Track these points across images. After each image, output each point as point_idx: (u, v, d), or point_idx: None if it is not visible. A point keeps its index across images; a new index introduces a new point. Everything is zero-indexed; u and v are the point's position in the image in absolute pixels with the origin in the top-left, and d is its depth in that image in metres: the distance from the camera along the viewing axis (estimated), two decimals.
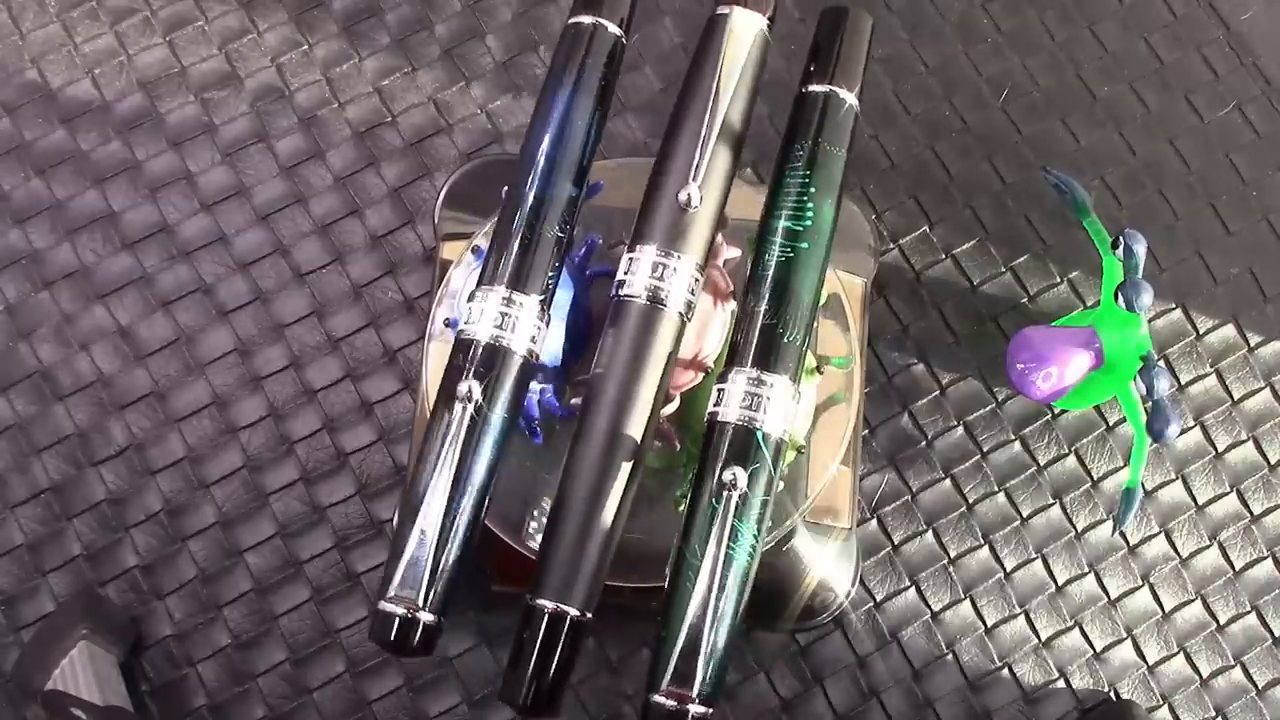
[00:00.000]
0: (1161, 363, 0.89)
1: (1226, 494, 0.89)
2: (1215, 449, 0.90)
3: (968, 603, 0.87)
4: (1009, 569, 0.88)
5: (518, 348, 0.56)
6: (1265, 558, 0.89)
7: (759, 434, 0.54)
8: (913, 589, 0.87)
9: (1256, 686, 0.87)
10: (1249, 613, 0.88)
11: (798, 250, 0.57)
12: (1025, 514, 0.88)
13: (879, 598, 0.87)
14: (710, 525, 0.54)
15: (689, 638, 0.54)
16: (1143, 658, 0.87)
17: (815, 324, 0.61)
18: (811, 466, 0.72)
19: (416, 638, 0.54)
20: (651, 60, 0.95)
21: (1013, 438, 0.89)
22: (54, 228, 0.91)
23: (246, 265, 0.91)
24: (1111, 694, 0.87)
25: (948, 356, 0.90)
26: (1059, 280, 0.92)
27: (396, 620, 0.53)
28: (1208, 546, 0.89)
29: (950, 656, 0.86)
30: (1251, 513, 0.89)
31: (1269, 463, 0.90)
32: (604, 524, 0.55)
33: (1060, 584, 0.88)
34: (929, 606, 0.87)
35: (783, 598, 0.83)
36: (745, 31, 0.61)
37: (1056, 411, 0.90)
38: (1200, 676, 0.87)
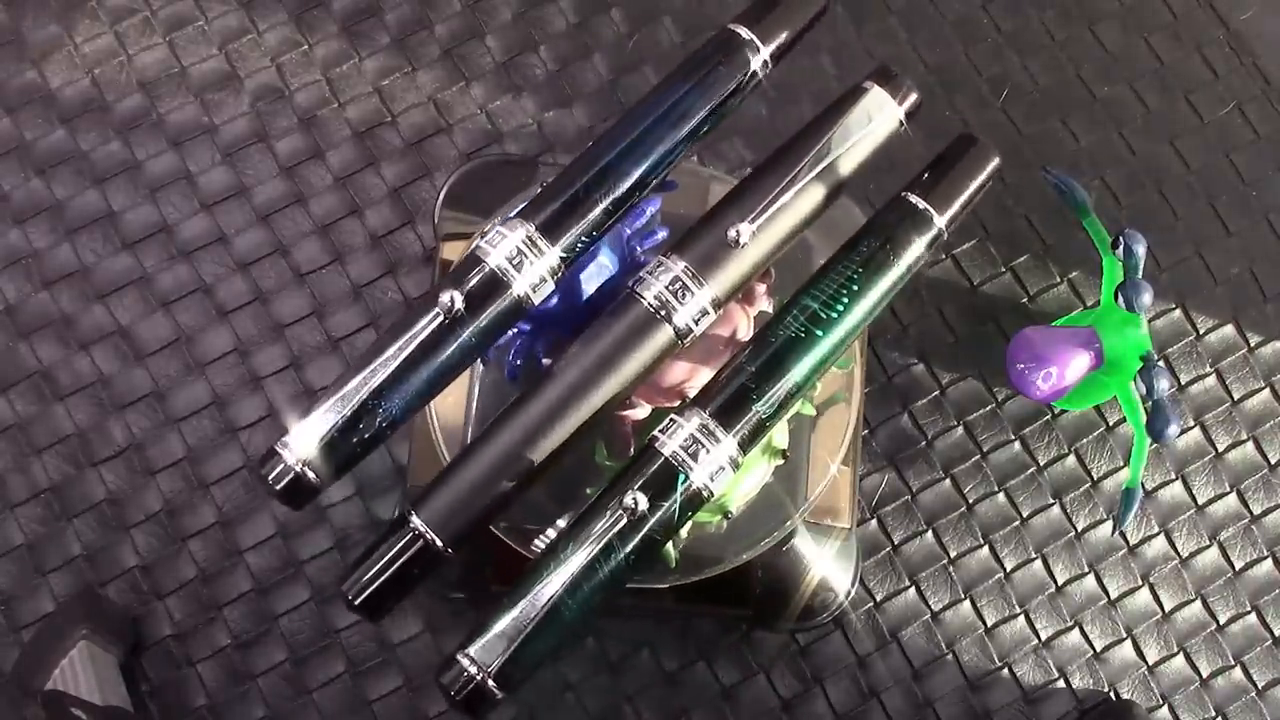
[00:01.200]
0: (1161, 363, 0.89)
1: (1226, 494, 0.89)
2: (1215, 449, 0.90)
3: (968, 603, 0.87)
4: (1009, 569, 0.88)
5: (517, 289, 0.55)
6: (1265, 558, 0.89)
7: (681, 478, 0.54)
8: (913, 589, 0.87)
9: (1256, 686, 0.87)
10: (1249, 613, 0.88)
11: (812, 335, 0.56)
12: (1025, 514, 0.88)
13: (879, 598, 0.87)
14: (592, 530, 0.53)
15: (518, 618, 0.53)
16: (1143, 658, 0.87)
17: (790, 410, 0.59)
18: (812, 466, 0.72)
19: (291, 487, 0.53)
20: (651, 60, 0.95)
21: (1013, 438, 0.89)
22: (54, 228, 0.91)
23: (246, 265, 0.91)
24: (1111, 694, 0.87)
25: (948, 356, 0.90)
26: (1059, 280, 0.92)
27: (282, 467, 0.53)
28: (1208, 546, 0.89)
29: (950, 656, 0.86)
30: (1251, 513, 0.89)
31: (1269, 463, 0.90)
32: (506, 480, 0.55)
33: (1060, 584, 0.88)
34: (929, 606, 0.87)
35: (783, 598, 0.83)
36: (876, 113, 0.60)
37: (1056, 411, 0.90)
38: (1200, 676, 0.87)
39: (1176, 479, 0.89)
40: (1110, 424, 0.90)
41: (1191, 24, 0.97)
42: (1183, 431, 0.90)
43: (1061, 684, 0.86)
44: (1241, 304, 0.92)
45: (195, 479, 0.87)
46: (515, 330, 0.64)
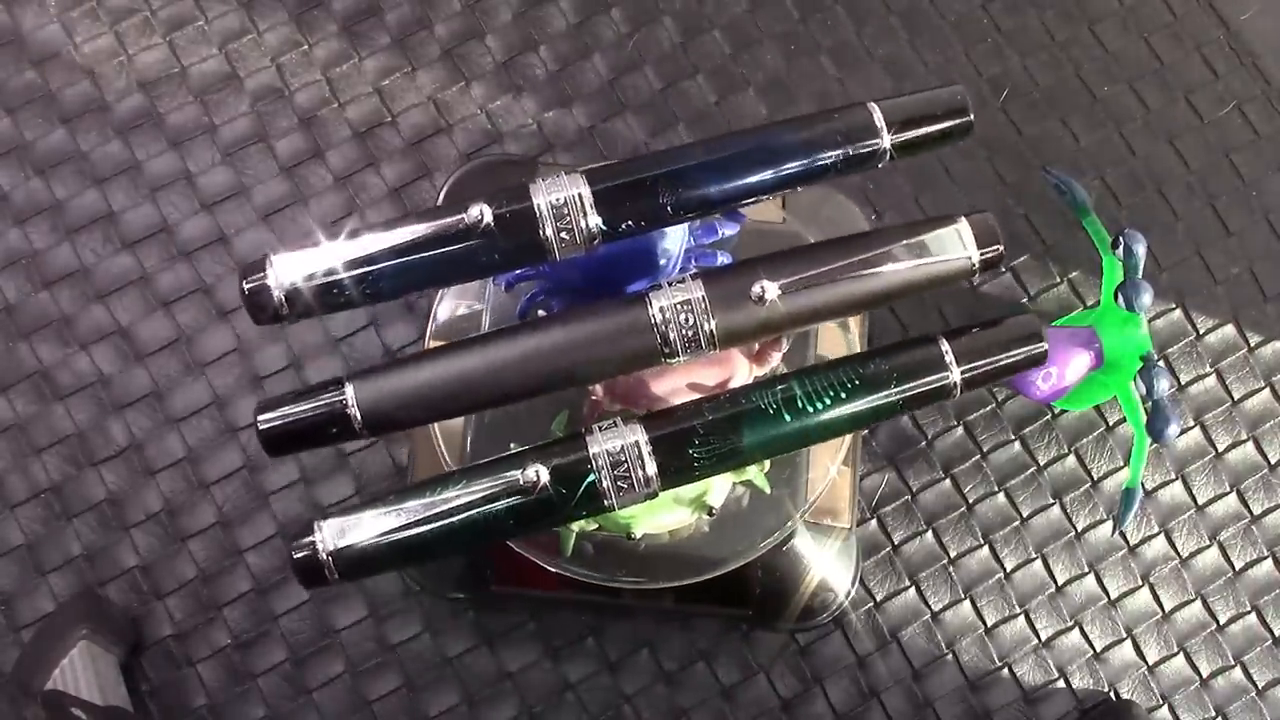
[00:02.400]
0: (1161, 363, 0.88)
1: (1226, 494, 0.89)
2: (1215, 449, 0.90)
3: (968, 603, 0.87)
4: (1009, 569, 0.88)
5: (546, 233, 0.55)
6: (1265, 558, 0.89)
7: (589, 481, 0.54)
8: (913, 589, 0.87)
9: (1256, 686, 0.87)
10: (1249, 613, 0.88)
11: (779, 416, 0.55)
12: (1025, 514, 0.88)
13: (879, 598, 0.87)
14: (489, 480, 0.53)
15: (385, 524, 0.53)
16: (1143, 658, 0.87)
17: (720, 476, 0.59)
18: (812, 466, 0.72)
19: (273, 307, 0.53)
20: (651, 60, 0.95)
21: (1013, 438, 0.89)
22: (54, 228, 0.91)
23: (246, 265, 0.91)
24: (1111, 694, 0.87)
25: None
26: (1059, 280, 0.92)
27: (267, 290, 0.53)
28: (1208, 546, 0.89)
29: (950, 656, 0.86)
30: (1251, 513, 0.89)
31: (1269, 463, 0.90)
32: (445, 398, 0.55)
33: (1060, 584, 0.88)
34: (929, 606, 0.87)
35: (783, 598, 0.83)
36: (952, 247, 0.57)
37: (1056, 411, 0.90)
38: (1200, 676, 0.87)
39: (1176, 479, 0.89)
40: (1110, 424, 0.90)
41: (1191, 24, 0.97)
42: (1183, 431, 0.90)
43: (1061, 684, 0.86)
44: (1241, 304, 0.92)
45: (195, 479, 0.87)
46: (538, 271, 0.64)
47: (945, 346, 0.55)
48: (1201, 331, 0.92)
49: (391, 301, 0.89)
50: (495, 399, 0.55)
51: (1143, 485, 0.87)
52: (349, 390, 0.53)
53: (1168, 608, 0.88)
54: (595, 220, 0.55)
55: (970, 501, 0.88)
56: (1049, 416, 0.90)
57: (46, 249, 0.91)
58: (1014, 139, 0.94)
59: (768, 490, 0.69)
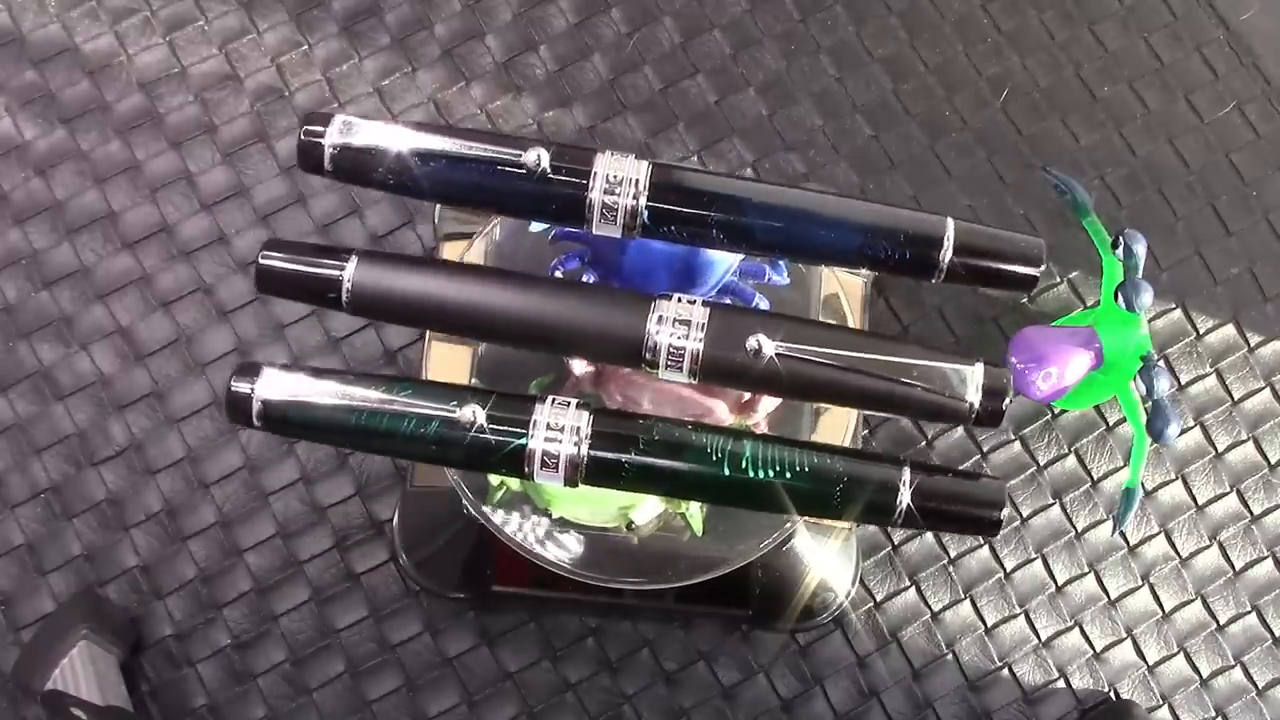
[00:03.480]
0: (1161, 363, 0.89)
1: (1226, 494, 0.89)
2: (1215, 449, 0.90)
3: (968, 603, 0.87)
4: (1009, 569, 0.88)
5: (591, 201, 0.55)
6: (1265, 558, 0.89)
7: (518, 445, 0.54)
8: (913, 589, 0.87)
9: (1256, 686, 0.87)
10: (1249, 613, 0.88)
11: (718, 469, 0.54)
12: (1025, 514, 0.88)
13: (879, 598, 0.87)
14: (429, 400, 0.54)
15: (322, 399, 0.54)
16: (1143, 658, 0.87)
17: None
18: None
19: (320, 161, 0.54)
20: (651, 60, 0.95)
21: (1013, 438, 0.89)
22: (54, 228, 0.91)
23: (246, 265, 0.91)
24: (1111, 694, 0.87)
25: None
26: (1059, 280, 0.92)
27: (320, 147, 0.54)
28: (1208, 546, 0.89)
29: (950, 656, 0.86)
30: (1251, 513, 0.89)
31: (1269, 463, 0.90)
32: (431, 310, 0.56)
33: (1060, 584, 0.88)
34: (929, 606, 0.87)
35: (783, 598, 0.83)
36: (955, 383, 0.54)
37: (1056, 411, 0.90)
38: (1200, 676, 0.87)
39: (1176, 479, 0.89)
40: (1110, 424, 0.90)
41: (1191, 24, 0.97)
42: (1183, 431, 0.90)
43: (1061, 684, 0.86)
44: (1241, 304, 0.92)
45: (195, 479, 0.87)
46: (586, 237, 0.65)
47: (905, 478, 0.54)
48: (1201, 331, 0.92)
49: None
50: (478, 331, 0.56)
51: (1143, 485, 0.87)
52: (350, 265, 0.54)
53: (1168, 608, 0.88)
54: (642, 210, 0.55)
55: None
56: (1049, 416, 0.90)
57: (46, 249, 0.91)
58: (1014, 139, 0.94)
59: (699, 533, 0.69)
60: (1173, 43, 0.96)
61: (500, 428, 0.54)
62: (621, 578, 0.69)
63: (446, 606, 0.86)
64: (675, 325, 0.55)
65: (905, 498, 0.54)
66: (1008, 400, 0.54)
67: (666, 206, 0.55)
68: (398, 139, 0.54)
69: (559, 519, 0.67)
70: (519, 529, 0.69)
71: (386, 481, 0.87)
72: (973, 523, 0.55)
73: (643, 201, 0.55)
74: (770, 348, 0.54)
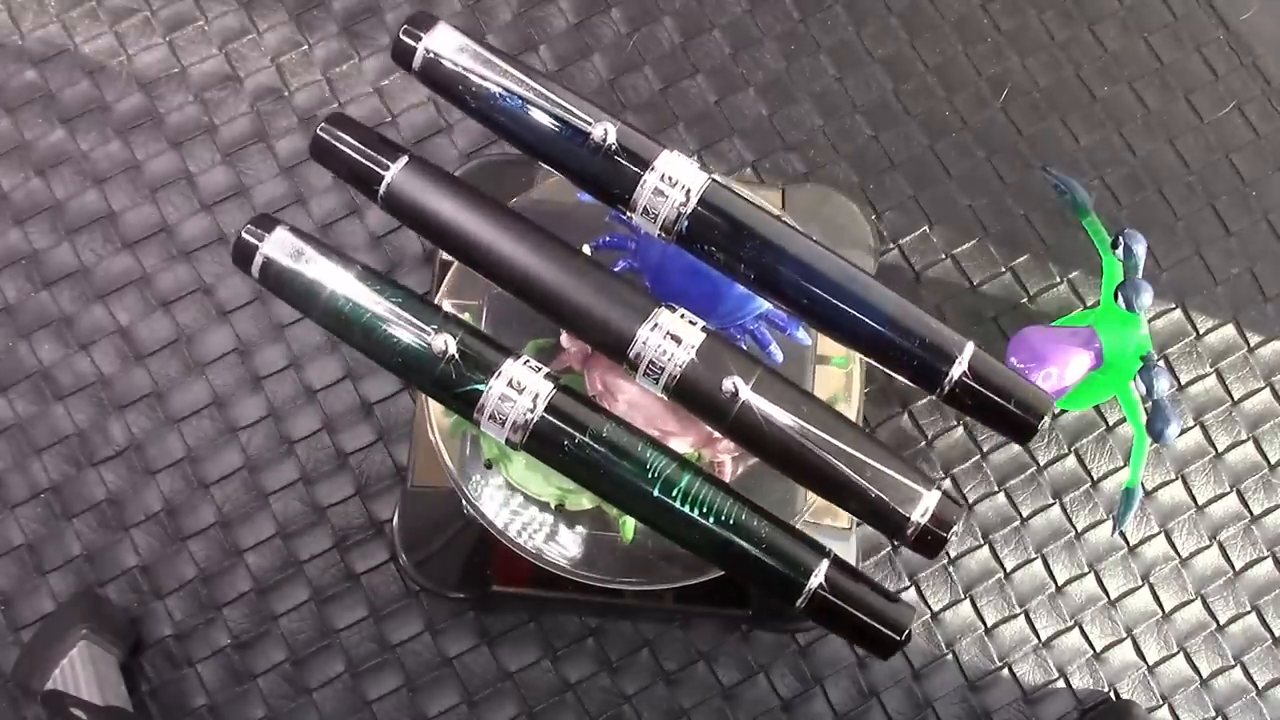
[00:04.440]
0: (1161, 363, 0.89)
1: (1226, 494, 0.89)
2: (1215, 449, 0.90)
3: (968, 603, 0.87)
4: (1009, 569, 0.88)
5: (640, 190, 0.56)
6: (1265, 558, 0.89)
7: (473, 388, 0.55)
8: (913, 589, 0.87)
9: (1256, 686, 0.87)
10: (1249, 613, 0.88)
11: (649, 487, 0.54)
12: (1025, 514, 0.88)
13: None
14: (410, 316, 0.55)
15: (324, 266, 0.56)
16: (1143, 658, 0.87)
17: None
18: None
19: (410, 60, 0.57)
20: (651, 60, 0.95)
21: None
22: (54, 228, 0.91)
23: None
24: (1111, 694, 0.87)
25: None
26: (1059, 280, 0.92)
27: (412, 50, 0.56)
28: (1208, 546, 0.89)
29: (950, 656, 0.86)
30: (1251, 513, 0.89)
31: (1269, 463, 0.90)
32: (457, 238, 0.57)
33: (1060, 584, 0.88)
34: (929, 606, 0.87)
35: None
36: (905, 500, 0.53)
37: (1056, 411, 0.90)
38: (1200, 676, 0.87)
39: (1176, 479, 0.89)
40: (1110, 424, 0.90)
41: (1191, 24, 0.97)
42: (1183, 431, 0.90)
43: (1061, 684, 0.86)
44: (1241, 304, 0.92)
45: (195, 479, 0.87)
46: (629, 247, 0.66)
47: (821, 569, 0.53)
48: (1201, 331, 0.92)
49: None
50: (487, 270, 0.57)
51: (1143, 485, 0.87)
52: (396, 166, 0.56)
53: (1168, 608, 0.88)
54: (685, 219, 0.55)
55: (970, 502, 0.88)
56: (1049, 416, 0.90)
57: (46, 249, 0.91)
58: (1014, 139, 0.94)
59: (629, 539, 0.69)
60: (1173, 43, 0.96)
61: (466, 367, 0.55)
62: (621, 578, 0.69)
63: (446, 606, 0.86)
64: (667, 338, 0.55)
65: (813, 586, 0.53)
66: (954, 531, 0.54)
67: (707, 224, 0.55)
68: (486, 65, 0.56)
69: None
70: (519, 529, 0.69)
71: (386, 481, 0.87)
72: (871, 638, 0.54)
73: (687, 210, 0.55)
74: (745, 395, 0.54)
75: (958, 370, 0.54)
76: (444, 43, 0.57)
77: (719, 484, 0.55)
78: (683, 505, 0.54)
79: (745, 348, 0.65)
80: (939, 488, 0.54)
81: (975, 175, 0.94)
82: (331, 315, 0.56)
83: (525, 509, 0.70)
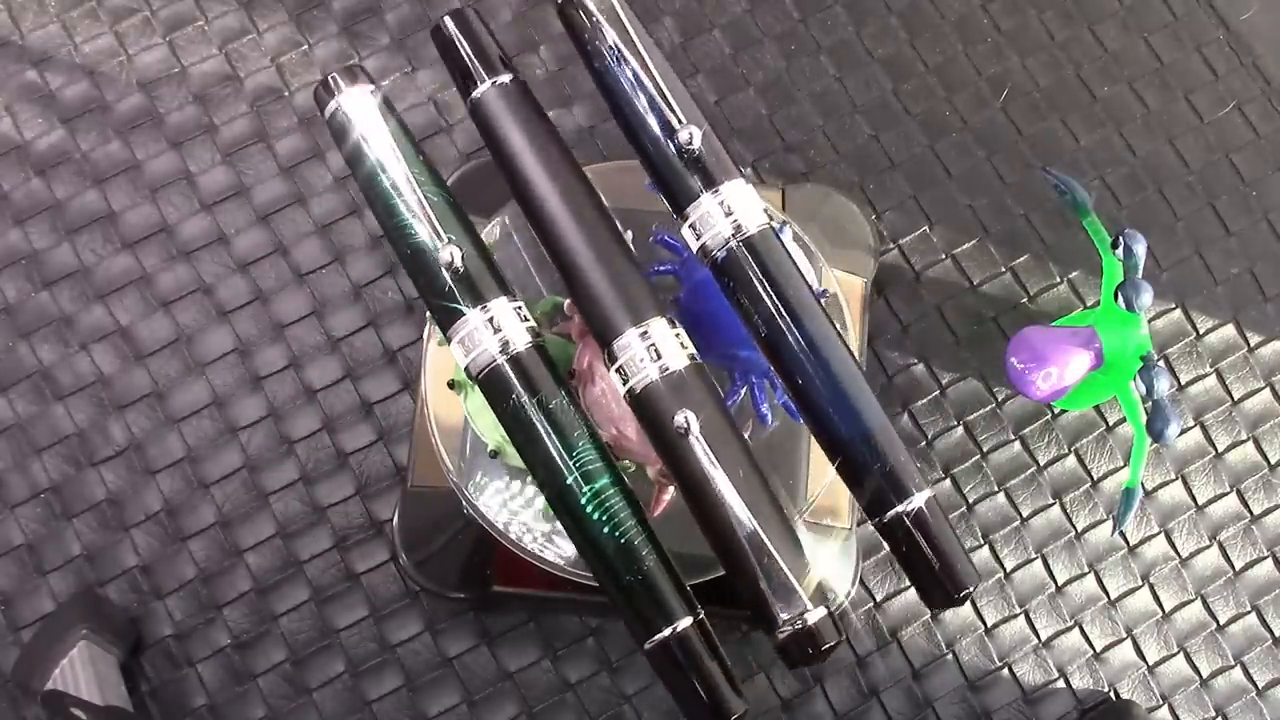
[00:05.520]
0: (1161, 363, 0.89)
1: (1226, 494, 0.89)
2: (1215, 449, 0.90)
3: (967, 602, 0.87)
4: (1009, 569, 0.88)
5: (696, 210, 0.56)
6: (1265, 558, 0.89)
7: (457, 307, 0.56)
8: (913, 589, 0.87)
9: (1256, 686, 0.87)
10: (1249, 613, 0.88)
11: (561, 466, 0.54)
12: (1025, 514, 0.88)
13: (879, 598, 0.87)
14: (433, 218, 0.57)
15: (380, 139, 0.58)
16: (1143, 658, 0.87)
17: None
18: (811, 467, 0.72)
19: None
20: None
21: (1013, 438, 0.89)
22: (54, 228, 0.91)
23: (246, 265, 0.91)
24: (1111, 694, 0.87)
25: (948, 356, 0.90)
26: (1059, 280, 0.92)
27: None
28: (1208, 546, 0.89)
29: (950, 656, 0.86)
30: (1251, 513, 0.89)
31: (1269, 463, 0.90)
32: (511, 172, 0.59)
33: (1060, 584, 0.88)
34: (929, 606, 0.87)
35: None
36: (797, 599, 0.55)
37: (1056, 411, 0.90)
38: (1200, 676, 0.87)
39: (1176, 479, 0.89)
40: (1110, 424, 0.90)
41: (1191, 24, 0.97)
42: (1183, 431, 0.90)
43: (1061, 684, 0.86)
44: (1241, 304, 0.92)
45: (195, 479, 0.87)
46: (677, 274, 0.67)
47: (683, 624, 0.54)
48: (1201, 331, 0.92)
49: (395, 314, 0.89)
50: (528, 210, 0.58)
51: (1143, 485, 0.87)
52: (486, 85, 0.59)
53: (1168, 608, 0.88)
54: (721, 251, 0.55)
55: (970, 501, 0.88)
56: (1049, 416, 0.90)
57: (46, 249, 0.91)
58: (1014, 139, 0.94)
59: (544, 525, 0.69)
60: (1173, 43, 0.96)
61: (461, 287, 0.56)
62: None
63: (446, 606, 0.86)
64: (649, 349, 0.55)
65: (665, 635, 0.54)
66: (825, 648, 0.54)
67: (742, 267, 0.55)
68: (609, 33, 0.57)
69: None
70: (519, 529, 0.69)
71: (386, 481, 0.87)
72: (694, 708, 0.55)
73: (730, 244, 0.55)
74: (693, 436, 0.54)
75: (904, 510, 0.54)
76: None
77: (633, 503, 0.55)
78: (587, 503, 0.54)
79: (738, 395, 0.65)
80: (827, 608, 0.54)
81: (975, 175, 0.94)
82: (370, 185, 0.57)
83: (525, 509, 0.70)
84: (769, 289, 0.55)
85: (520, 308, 0.56)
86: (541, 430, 0.55)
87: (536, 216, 0.58)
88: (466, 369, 0.56)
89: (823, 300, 0.60)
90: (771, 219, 0.57)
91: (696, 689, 0.54)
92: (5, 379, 0.89)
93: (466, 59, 0.60)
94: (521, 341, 0.55)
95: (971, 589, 0.54)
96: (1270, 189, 0.94)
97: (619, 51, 0.57)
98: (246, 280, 0.91)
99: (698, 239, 0.56)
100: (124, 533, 0.87)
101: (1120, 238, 0.81)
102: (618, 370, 0.55)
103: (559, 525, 0.68)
